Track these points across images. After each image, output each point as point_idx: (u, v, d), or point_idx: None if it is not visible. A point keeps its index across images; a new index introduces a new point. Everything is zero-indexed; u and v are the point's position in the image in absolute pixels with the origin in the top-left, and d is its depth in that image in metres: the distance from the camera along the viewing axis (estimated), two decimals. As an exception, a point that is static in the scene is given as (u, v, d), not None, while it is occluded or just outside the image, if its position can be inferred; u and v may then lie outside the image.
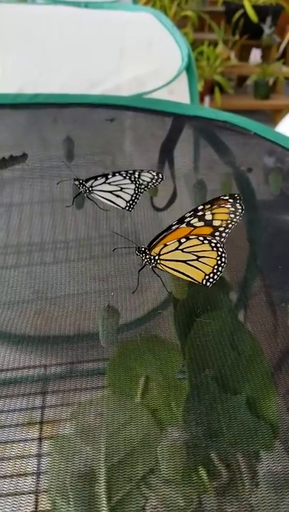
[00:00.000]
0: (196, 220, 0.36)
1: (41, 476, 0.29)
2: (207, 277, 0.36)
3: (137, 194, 0.43)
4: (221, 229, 0.36)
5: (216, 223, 0.36)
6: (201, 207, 0.36)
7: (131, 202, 0.43)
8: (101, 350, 0.36)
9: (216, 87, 2.14)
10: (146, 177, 0.43)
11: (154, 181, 0.43)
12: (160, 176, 0.43)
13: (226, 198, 0.36)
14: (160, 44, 0.82)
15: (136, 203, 0.43)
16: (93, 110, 0.58)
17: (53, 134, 0.55)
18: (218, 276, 0.36)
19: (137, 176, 0.43)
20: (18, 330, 0.37)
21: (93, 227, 0.47)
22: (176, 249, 0.36)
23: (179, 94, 0.73)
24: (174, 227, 0.36)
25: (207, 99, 2.18)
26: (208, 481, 0.28)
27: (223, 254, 0.36)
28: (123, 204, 0.43)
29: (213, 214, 0.36)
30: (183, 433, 0.30)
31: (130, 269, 0.40)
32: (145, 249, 0.36)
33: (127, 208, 0.44)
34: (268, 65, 2.24)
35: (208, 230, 0.36)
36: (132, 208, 0.43)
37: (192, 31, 2.12)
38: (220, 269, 0.36)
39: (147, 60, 0.79)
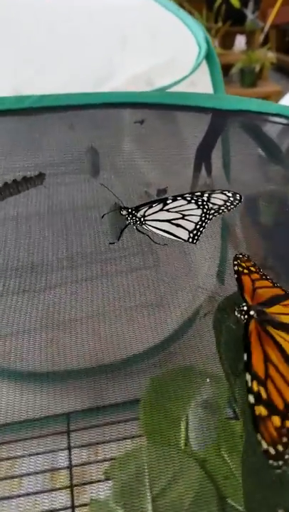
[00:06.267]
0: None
1: None
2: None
3: (203, 221, 0.33)
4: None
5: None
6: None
7: (195, 231, 0.33)
8: (130, 385, 0.31)
9: (202, 78, 2.05)
10: (217, 199, 0.33)
11: (228, 204, 0.33)
12: (237, 196, 0.33)
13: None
14: (168, 31, 0.72)
15: (201, 231, 0.33)
16: (112, 111, 0.47)
17: (70, 145, 0.44)
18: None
19: (205, 198, 0.32)
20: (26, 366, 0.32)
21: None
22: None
23: (201, 85, 0.63)
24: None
25: (193, 90, 2.08)
26: None
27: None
28: (185, 235, 0.33)
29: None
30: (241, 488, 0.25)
31: (147, 285, 0.37)
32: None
33: (191, 240, 0.33)
34: (253, 52, 2.16)
35: None
36: (197, 240, 0.33)
37: (173, 20, 2.01)
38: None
39: (157, 50, 0.68)
